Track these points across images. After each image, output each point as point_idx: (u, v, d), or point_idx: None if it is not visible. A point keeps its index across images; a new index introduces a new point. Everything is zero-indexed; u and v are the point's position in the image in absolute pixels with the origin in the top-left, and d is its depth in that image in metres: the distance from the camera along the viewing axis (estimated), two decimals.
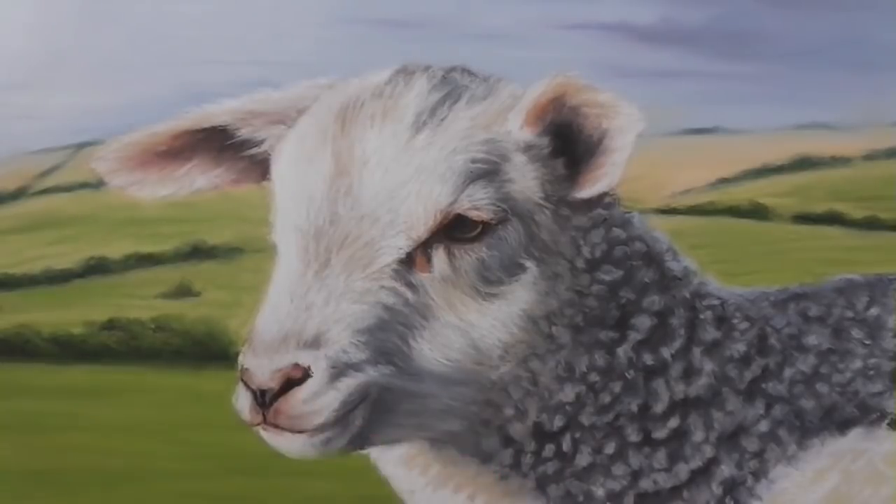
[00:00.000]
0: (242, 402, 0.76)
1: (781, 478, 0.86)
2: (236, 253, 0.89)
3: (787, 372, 0.87)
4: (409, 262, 0.78)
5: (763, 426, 0.85)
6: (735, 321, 0.87)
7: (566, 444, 0.83)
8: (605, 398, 0.83)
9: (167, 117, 0.88)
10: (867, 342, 0.89)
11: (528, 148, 0.81)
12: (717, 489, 0.84)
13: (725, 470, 0.85)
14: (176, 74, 0.89)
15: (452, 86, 0.83)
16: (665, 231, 0.88)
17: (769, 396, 0.86)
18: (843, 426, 0.87)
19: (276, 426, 0.75)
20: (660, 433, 0.84)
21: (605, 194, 0.83)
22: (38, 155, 0.91)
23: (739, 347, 0.87)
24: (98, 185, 0.91)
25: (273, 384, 0.74)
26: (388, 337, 0.77)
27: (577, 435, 0.83)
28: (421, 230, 0.77)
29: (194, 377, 0.92)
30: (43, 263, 0.92)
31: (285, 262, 0.79)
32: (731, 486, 0.85)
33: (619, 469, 0.84)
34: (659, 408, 0.84)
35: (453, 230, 0.78)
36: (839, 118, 0.91)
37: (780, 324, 0.89)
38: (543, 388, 0.82)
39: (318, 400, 0.74)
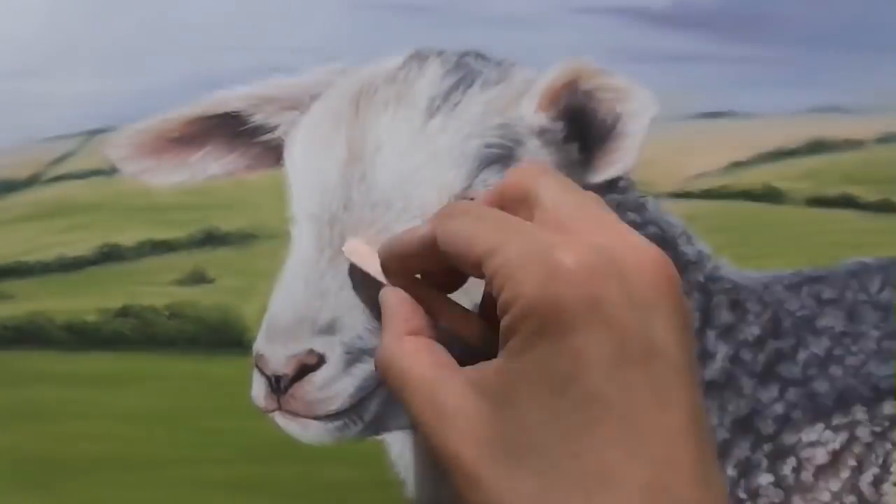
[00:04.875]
0: (257, 388, 0.76)
1: (796, 460, 0.86)
2: (250, 239, 0.89)
3: (801, 355, 0.87)
4: None
5: (777, 409, 0.86)
6: (749, 304, 0.88)
7: None
8: None
9: (180, 104, 0.87)
10: (880, 325, 0.90)
11: (541, 132, 0.81)
12: (731, 471, 0.85)
13: (740, 452, 0.85)
14: (188, 61, 0.88)
15: (466, 70, 0.82)
16: (679, 215, 0.88)
17: (783, 379, 0.86)
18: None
19: (291, 412, 0.76)
20: None
21: (619, 179, 0.83)
22: (50, 142, 0.90)
23: (753, 331, 0.87)
24: (111, 172, 0.91)
25: (288, 370, 0.74)
26: None
27: None
28: None
29: (209, 364, 0.92)
30: (56, 251, 0.91)
31: (299, 248, 0.79)
32: (746, 469, 0.85)
33: None
34: None
35: None
36: (853, 101, 0.90)
37: (793, 307, 0.89)
38: None
39: (334, 386, 0.74)
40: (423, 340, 0.60)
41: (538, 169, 0.58)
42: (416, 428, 0.57)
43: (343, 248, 0.71)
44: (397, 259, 0.63)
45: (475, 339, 0.61)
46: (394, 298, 0.63)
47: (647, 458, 0.48)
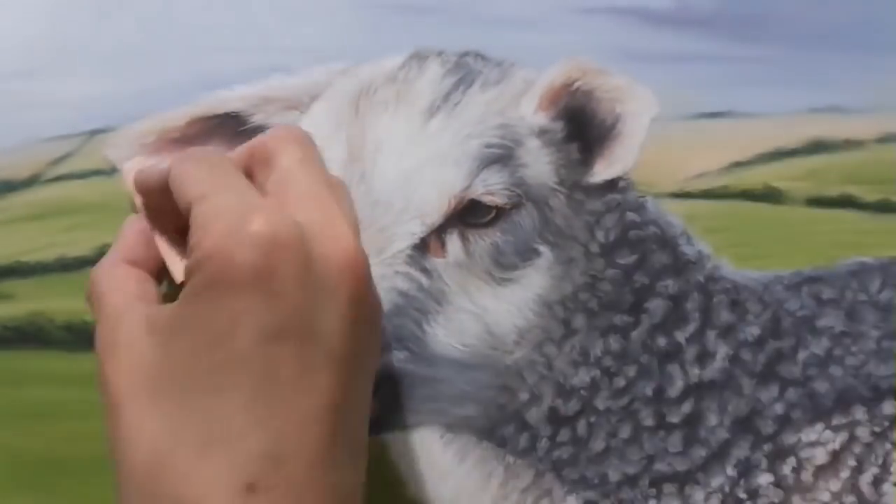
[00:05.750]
0: None
1: (796, 460, 0.86)
2: None
3: (801, 355, 0.87)
4: (424, 247, 0.78)
5: (777, 409, 0.86)
6: (749, 304, 0.88)
7: (581, 429, 0.84)
8: (620, 382, 0.84)
9: (180, 104, 0.87)
10: (880, 325, 0.90)
11: (541, 132, 0.81)
12: (731, 471, 0.85)
13: (740, 452, 0.85)
14: (189, 61, 0.88)
15: (466, 70, 0.83)
16: (679, 215, 0.88)
17: (783, 379, 0.86)
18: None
19: None
20: (674, 417, 0.84)
21: (618, 178, 0.83)
22: (50, 142, 0.90)
23: (753, 331, 0.87)
24: (111, 172, 0.91)
25: None
26: (402, 322, 0.77)
27: (592, 419, 0.83)
28: (435, 216, 0.78)
29: None
30: (56, 251, 0.91)
31: None
32: (746, 469, 0.85)
33: (633, 453, 0.84)
34: (673, 392, 0.84)
35: (467, 215, 0.79)
36: (853, 101, 0.91)
37: (793, 307, 0.89)
38: (558, 373, 0.82)
39: None
40: (135, 271, 0.61)
41: (290, 135, 0.60)
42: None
43: (124, 167, 0.72)
44: (142, 191, 0.64)
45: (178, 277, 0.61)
46: (129, 226, 0.65)
47: (272, 430, 0.50)
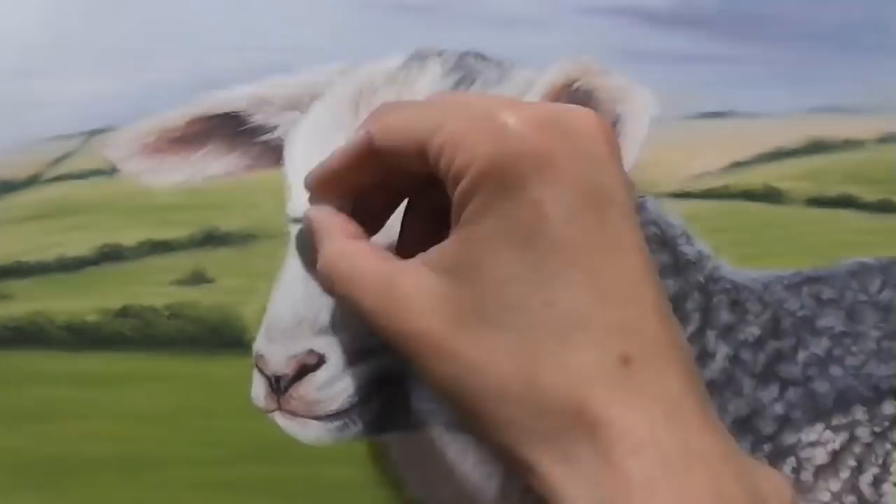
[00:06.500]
0: (257, 388, 0.76)
1: (796, 460, 0.86)
2: (250, 239, 0.89)
3: (801, 355, 0.87)
4: None
5: (777, 409, 0.86)
6: (749, 304, 0.88)
7: None
8: None
9: (180, 104, 0.87)
10: (880, 325, 0.90)
11: None
12: None
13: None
14: (188, 60, 0.88)
15: (466, 70, 0.82)
16: (679, 215, 0.88)
17: (783, 379, 0.86)
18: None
19: (291, 412, 0.76)
20: None
21: None
22: (50, 142, 0.90)
23: (753, 331, 0.87)
24: (111, 172, 0.91)
25: (288, 370, 0.74)
26: None
27: None
28: None
29: (209, 364, 0.92)
30: (56, 251, 0.91)
31: None
32: None
33: None
34: None
35: None
36: (853, 101, 0.91)
37: (793, 307, 0.89)
38: None
39: (334, 386, 0.74)
40: (366, 243, 0.60)
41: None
42: (370, 323, 0.58)
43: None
44: (332, 178, 0.62)
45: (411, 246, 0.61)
46: (324, 212, 0.62)
47: (616, 299, 0.50)
